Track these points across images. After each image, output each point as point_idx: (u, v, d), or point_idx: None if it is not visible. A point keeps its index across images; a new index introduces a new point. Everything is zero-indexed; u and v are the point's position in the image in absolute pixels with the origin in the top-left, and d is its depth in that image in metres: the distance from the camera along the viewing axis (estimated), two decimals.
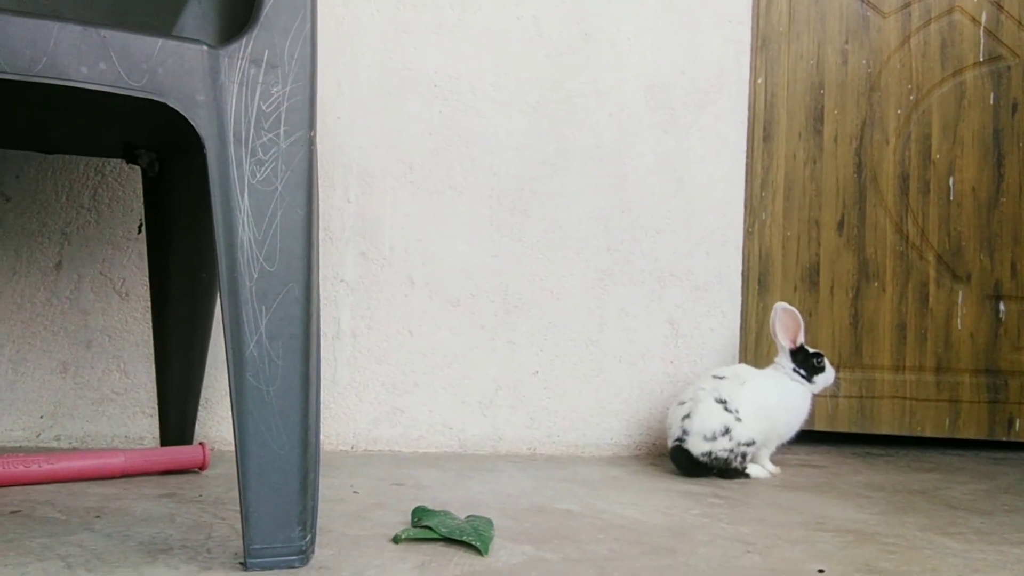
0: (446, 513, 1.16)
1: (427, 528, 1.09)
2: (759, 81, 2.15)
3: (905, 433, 2.19)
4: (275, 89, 1.00)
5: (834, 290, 2.18)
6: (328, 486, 1.38)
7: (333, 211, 1.73)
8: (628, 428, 1.84)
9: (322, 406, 1.70)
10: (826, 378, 1.74)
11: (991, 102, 2.28)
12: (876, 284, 2.20)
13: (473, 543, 1.05)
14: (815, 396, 1.76)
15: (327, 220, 1.72)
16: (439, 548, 1.06)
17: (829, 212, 2.19)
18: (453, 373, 1.77)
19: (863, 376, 2.19)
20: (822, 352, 1.76)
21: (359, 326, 1.73)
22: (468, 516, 1.17)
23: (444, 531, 1.08)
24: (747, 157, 2.10)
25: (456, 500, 1.32)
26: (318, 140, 1.71)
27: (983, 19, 2.27)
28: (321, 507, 1.19)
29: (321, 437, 1.66)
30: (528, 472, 1.60)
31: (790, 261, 2.17)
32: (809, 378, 1.71)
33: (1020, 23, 2.28)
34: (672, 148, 1.89)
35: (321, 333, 1.66)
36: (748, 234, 2.12)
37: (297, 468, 0.95)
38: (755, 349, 2.09)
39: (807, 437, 2.17)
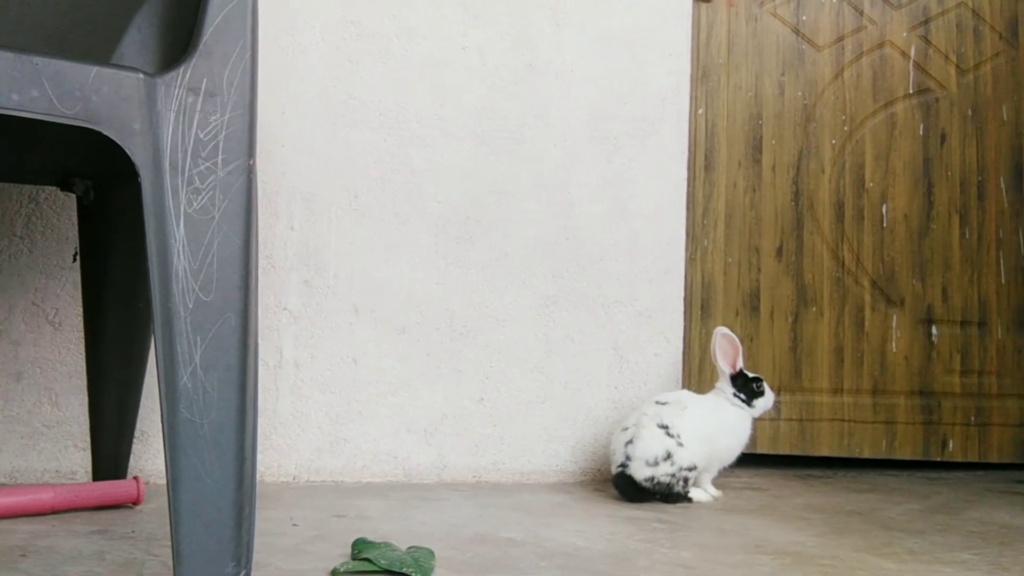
0: (387, 545, 1.15)
1: (367, 560, 1.08)
2: (700, 111, 2.21)
3: (844, 455, 2.24)
4: (213, 117, 0.99)
5: (774, 315, 2.23)
6: (267, 519, 1.35)
7: (276, 239, 1.71)
8: (574, 454, 1.85)
9: (263, 437, 1.67)
10: (765, 402, 1.76)
11: (920, 133, 2.37)
12: (814, 309, 2.26)
13: (413, 575, 1.04)
14: (755, 420, 1.79)
15: (270, 248, 1.71)
16: None
17: (768, 239, 2.25)
18: (398, 401, 1.76)
19: (803, 399, 2.24)
20: (761, 377, 1.79)
21: (302, 355, 1.71)
22: (410, 547, 1.16)
23: (384, 563, 1.07)
24: (688, 186, 2.14)
25: (399, 531, 1.30)
26: (260, 167, 1.70)
27: (912, 53, 2.36)
28: (259, 541, 1.17)
29: (261, 468, 1.64)
30: (473, 501, 1.59)
31: (731, 287, 2.21)
32: (748, 402, 1.74)
33: (947, 57, 2.38)
34: (615, 177, 1.92)
35: (262, 363, 1.64)
36: (691, 261, 2.16)
37: (231, 503, 0.94)
38: (698, 374, 2.12)
39: (750, 460, 2.20)
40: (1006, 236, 2.40)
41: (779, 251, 2.25)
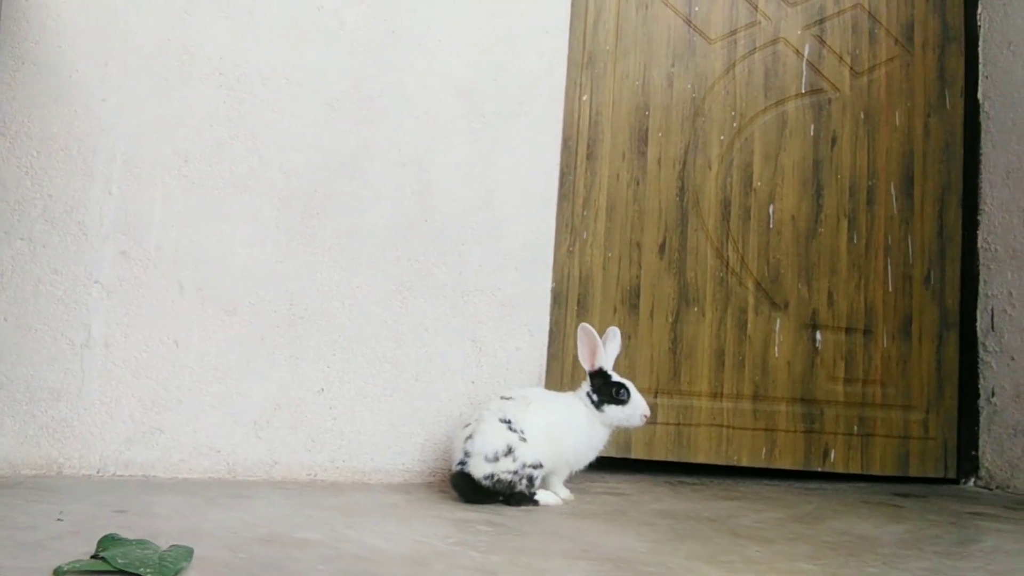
0: (141, 542, 1.00)
1: (101, 560, 0.92)
2: (584, 98, 2.11)
3: (722, 462, 2.15)
4: None
5: (654, 314, 2.14)
6: (30, 512, 1.18)
7: (90, 203, 1.54)
8: (423, 453, 1.71)
9: (64, 424, 1.50)
10: (623, 413, 1.59)
11: (812, 133, 2.31)
12: (696, 309, 2.17)
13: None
14: (616, 428, 1.63)
15: (82, 213, 1.53)
16: None
17: (651, 234, 2.15)
18: (225, 389, 1.59)
19: (681, 403, 2.14)
20: (626, 384, 1.62)
21: (114, 334, 1.54)
22: (171, 546, 1.01)
23: (121, 563, 0.91)
24: (570, 173, 2.04)
25: (178, 529, 1.15)
26: (76, 123, 1.53)
27: (806, 52, 2.31)
28: (1, 535, 1.01)
29: (60, 460, 1.46)
30: (293, 500, 1.44)
31: (611, 282, 2.11)
32: (598, 405, 1.60)
33: (841, 58, 2.33)
34: (482, 157, 1.80)
35: (66, 341, 1.47)
36: (569, 253, 2.06)
37: None
38: (572, 372, 2.01)
39: (626, 465, 2.10)
40: (895, 243, 2.35)
41: (662, 247, 2.16)
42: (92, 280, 1.53)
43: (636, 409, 1.62)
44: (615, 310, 2.10)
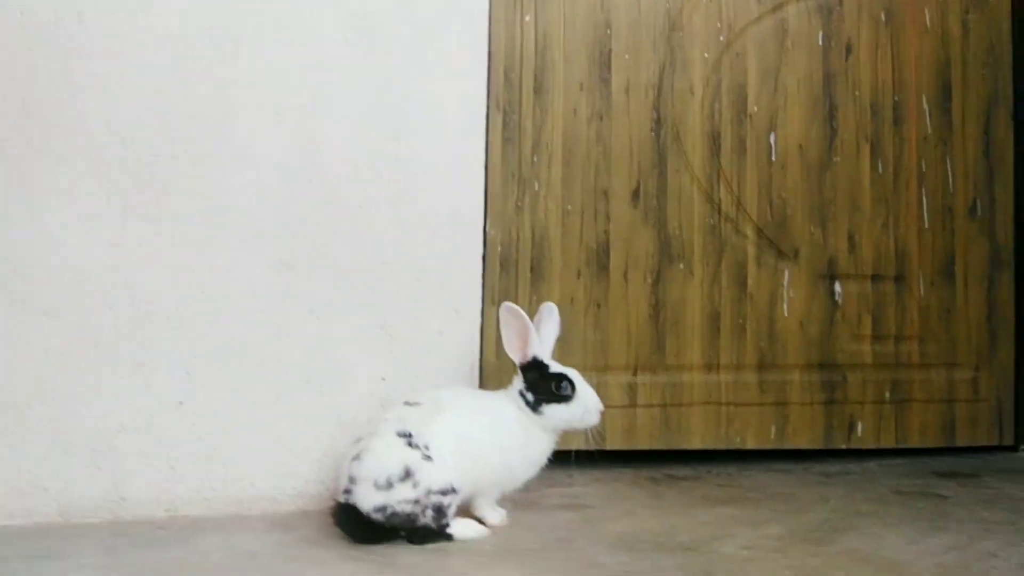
0: None
1: None
2: (527, 18, 1.70)
3: (721, 447, 1.77)
4: None
5: (628, 275, 1.74)
6: None
7: None
8: (320, 472, 1.36)
9: None
10: (570, 412, 1.24)
11: (820, 43, 1.87)
12: (682, 266, 1.77)
13: None
14: (559, 431, 1.27)
15: None
16: None
17: (621, 180, 1.75)
18: (51, 412, 1.25)
19: (668, 379, 1.76)
20: (569, 375, 1.26)
21: None
22: None
23: None
24: (514, 112, 1.65)
25: None
26: None
27: None
28: None
29: None
30: (116, 556, 1.10)
31: (572, 241, 1.72)
32: (535, 407, 1.23)
33: None
34: (384, 96, 1.41)
35: None
36: (517, 209, 1.67)
37: None
38: None
39: (606, 455, 1.73)
40: (930, 169, 1.92)
41: (635, 194, 1.76)
42: None
43: (586, 405, 1.25)
44: (579, 274, 1.72)
